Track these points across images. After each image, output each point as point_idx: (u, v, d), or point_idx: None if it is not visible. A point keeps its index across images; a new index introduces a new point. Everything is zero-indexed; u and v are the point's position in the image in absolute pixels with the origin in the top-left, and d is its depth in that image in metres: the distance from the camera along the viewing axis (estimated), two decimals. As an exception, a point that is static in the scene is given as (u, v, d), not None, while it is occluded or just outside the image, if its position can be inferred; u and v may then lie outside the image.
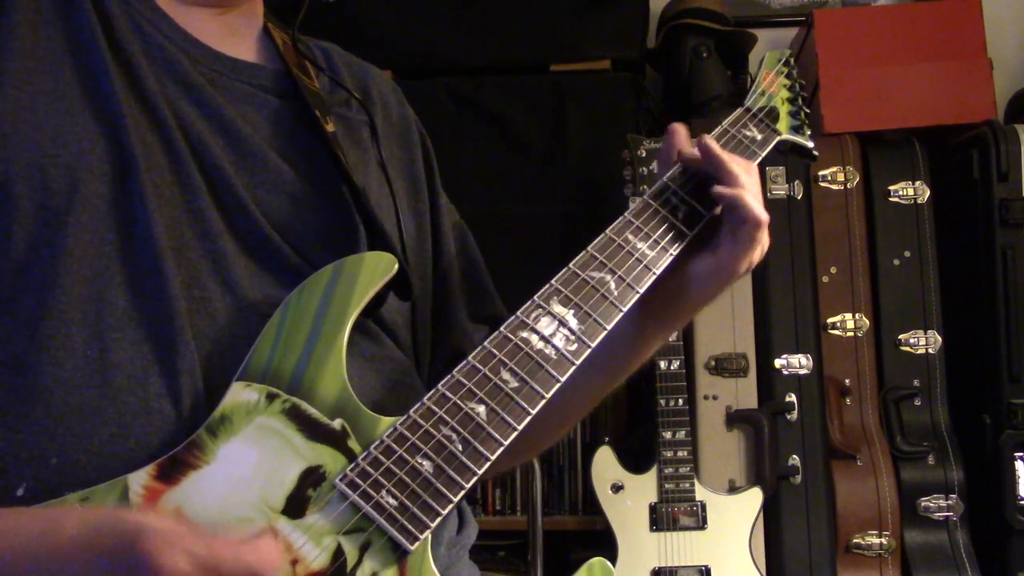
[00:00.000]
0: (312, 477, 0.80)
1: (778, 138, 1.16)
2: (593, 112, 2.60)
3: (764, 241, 1.02)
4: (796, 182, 2.44)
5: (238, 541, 0.72)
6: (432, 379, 0.87)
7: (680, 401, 2.29)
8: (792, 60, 1.23)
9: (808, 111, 1.21)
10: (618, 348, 1.08)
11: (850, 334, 2.46)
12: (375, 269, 0.90)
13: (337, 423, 0.83)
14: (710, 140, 1.03)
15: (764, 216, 0.99)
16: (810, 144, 1.19)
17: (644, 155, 2.30)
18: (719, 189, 1.00)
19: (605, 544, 2.28)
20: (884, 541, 2.32)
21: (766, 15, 3.04)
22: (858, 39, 2.58)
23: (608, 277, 0.96)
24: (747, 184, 1.00)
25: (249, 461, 0.81)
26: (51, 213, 0.84)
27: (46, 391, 0.80)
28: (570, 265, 0.95)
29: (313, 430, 0.82)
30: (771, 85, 1.19)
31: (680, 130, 1.07)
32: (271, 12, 1.12)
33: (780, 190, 2.44)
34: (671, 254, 1.00)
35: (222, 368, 0.85)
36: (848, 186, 2.50)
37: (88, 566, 0.70)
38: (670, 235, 1.00)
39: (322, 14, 1.17)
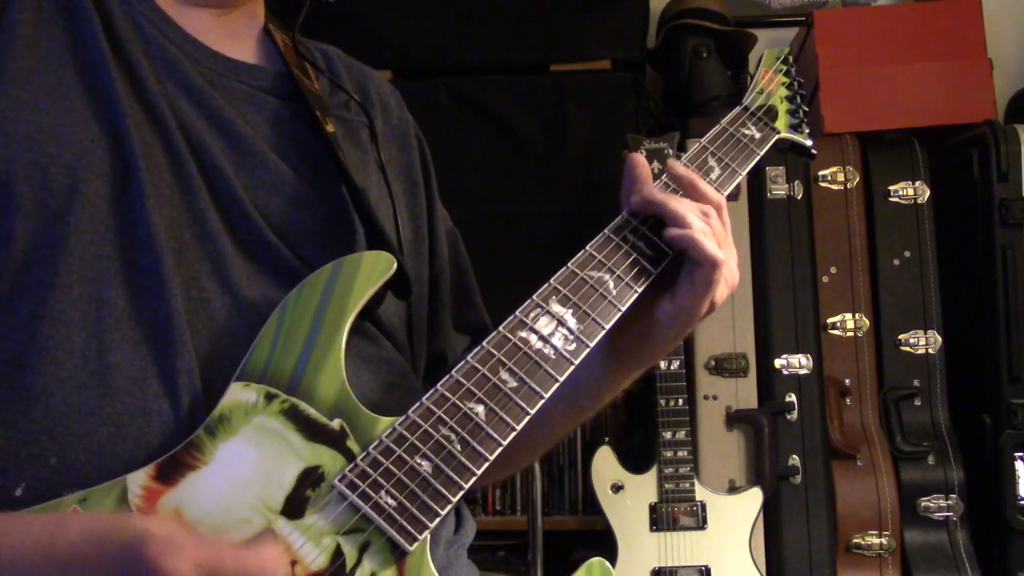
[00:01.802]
0: (311, 477, 0.80)
1: (777, 136, 1.15)
2: (593, 112, 2.59)
3: (730, 278, 0.98)
4: (796, 182, 2.44)
5: (240, 546, 0.73)
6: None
7: (680, 401, 2.29)
8: (791, 58, 1.23)
9: (807, 109, 1.21)
10: (586, 386, 1.07)
11: (850, 334, 2.46)
12: (374, 268, 0.90)
13: (336, 423, 0.83)
14: (651, 190, 0.99)
15: (720, 256, 0.94)
16: (808, 142, 1.19)
17: (644, 155, 2.28)
18: (670, 232, 0.96)
19: (605, 544, 2.28)
20: (884, 541, 2.32)
21: (766, 15, 3.04)
22: (858, 39, 2.58)
23: (607, 276, 0.95)
24: (695, 223, 0.95)
25: (248, 461, 0.81)
26: (52, 213, 0.84)
27: (45, 391, 0.80)
28: (569, 264, 0.95)
29: (312, 430, 0.82)
30: (770, 83, 1.19)
31: (639, 162, 1.01)
32: (271, 13, 1.12)
33: (780, 190, 2.44)
34: (671, 254, 0.98)
35: (220, 368, 0.85)
36: (848, 186, 2.50)
37: (90, 572, 0.70)
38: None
39: (322, 14, 1.17)
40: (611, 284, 0.95)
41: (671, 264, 0.99)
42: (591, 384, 1.08)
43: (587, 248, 0.97)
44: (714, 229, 0.97)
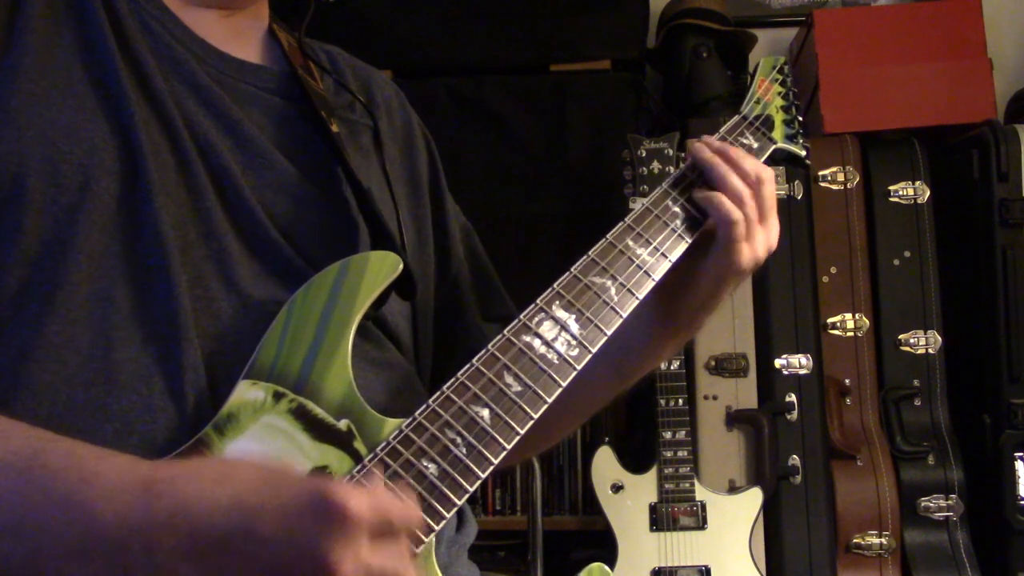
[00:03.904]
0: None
1: (773, 147, 1.17)
2: (593, 112, 2.60)
3: (768, 237, 1.04)
4: (796, 182, 2.45)
5: (402, 497, 0.76)
6: (443, 382, 0.87)
7: (680, 401, 2.29)
8: (786, 67, 1.24)
9: (801, 119, 1.22)
10: (632, 351, 1.10)
11: (850, 334, 2.46)
12: (380, 269, 0.90)
13: (343, 424, 0.83)
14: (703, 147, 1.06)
15: (735, 215, 1.00)
16: (803, 153, 1.20)
17: (644, 155, 2.30)
18: (697, 193, 1.04)
19: (605, 544, 2.28)
20: (884, 541, 2.33)
21: (766, 15, 3.04)
22: (858, 39, 2.58)
23: (609, 283, 0.96)
24: (731, 187, 1.02)
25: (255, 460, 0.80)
26: (62, 209, 0.84)
27: (50, 388, 0.80)
28: (571, 269, 0.96)
29: (319, 430, 0.82)
30: (766, 93, 1.20)
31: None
32: (275, 14, 1.12)
33: (780, 190, 2.44)
34: (670, 260, 1.00)
35: (226, 367, 0.85)
36: (848, 186, 2.51)
37: (273, 510, 0.70)
38: (669, 241, 1.01)
39: (322, 13, 1.17)
40: (612, 291, 0.96)
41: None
42: (636, 352, 1.11)
43: (589, 254, 0.98)
44: (754, 198, 1.02)
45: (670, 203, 1.03)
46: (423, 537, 0.79)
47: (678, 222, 1.02)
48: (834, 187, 2.51)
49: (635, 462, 2.33)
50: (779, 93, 1.21)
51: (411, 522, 0.74)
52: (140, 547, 0.69)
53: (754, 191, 1.03)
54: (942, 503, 2.34)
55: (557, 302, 0.93)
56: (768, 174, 1.05)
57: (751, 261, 1.03)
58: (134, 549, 0.69)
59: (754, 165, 1.04)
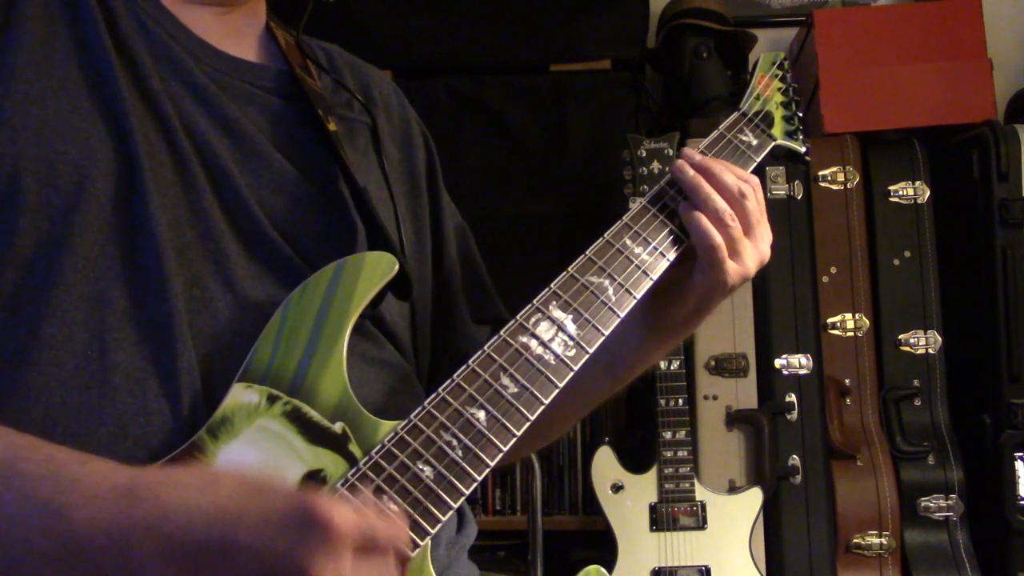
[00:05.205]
0: (314, 481, 0.80)
1: (773, 143, 1.16)
2: (593, 112, 2.60)
3: (761, 256, 1.03)
4: (796, 182, 2.44)
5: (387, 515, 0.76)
6: (434, 381, 0.87)
7: (680, 401, 2.29)
8: (786, 63, 1.23)
9: (801, 115, 1.21)
10: (623, 355, 1.10)
11: (850, 334, 2.46)
12: (376, 269, 0.90)
13: (338, 426, 0.83)
14: (684, 164, 1.04)
15: (716, 240, 0.99)
16: (803, 149, 1.20)
17: (644, 155, 2.30)
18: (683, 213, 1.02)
19: (605, 544, 2.28)
20: (884, 541, 2.32)
21: (766, 15, 3.04)
22: (858, 39, 2.58)
23: (606, 283, 0.95)
24: (712, 206, 1.00)
25: (250, 464, 0.80)
26: (57, 210, 0.84)
27: (45, 391, 0.80)
28: (569, 269, 0.95)
29: (314, 433, 0.82)
30: (766, 89, 1.19)
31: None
32: (272, 12, 1.11)
33: (780, 190, 2.44)
34: (668, 259, 1.00)
35: (222, 368, 0.85)
36: (848, 186, 2.50)
37: (257, 519, 0.70)
38: (667, 240, 1.01)
39: (322, 14, 1.17)
40: (610, 291, 0.95)
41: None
42: (627, 354, 1.10)
43: (587, 253, 0.97)
44: (738, 216, 1.01)
45: (668, 202, 1.03)
46: (419, 540, 0.79)
47: (677, 221, 1.02)
48: (834, 187, 2.51)
49: (635, 462, 2.32)
50: (779, 89, 1.20)
51: (397, 541, 0.74)
52: (118, 553, 0.69)
53: (738, 207, 1.01)
54: (942, 503, 2.34)
55: (554, 302, 0.93)
56: (753, 185, 1.03)
57: (739, 277, 1.02)
58: (112, 554, 0.69)
59: (736, 180, 1.02)
